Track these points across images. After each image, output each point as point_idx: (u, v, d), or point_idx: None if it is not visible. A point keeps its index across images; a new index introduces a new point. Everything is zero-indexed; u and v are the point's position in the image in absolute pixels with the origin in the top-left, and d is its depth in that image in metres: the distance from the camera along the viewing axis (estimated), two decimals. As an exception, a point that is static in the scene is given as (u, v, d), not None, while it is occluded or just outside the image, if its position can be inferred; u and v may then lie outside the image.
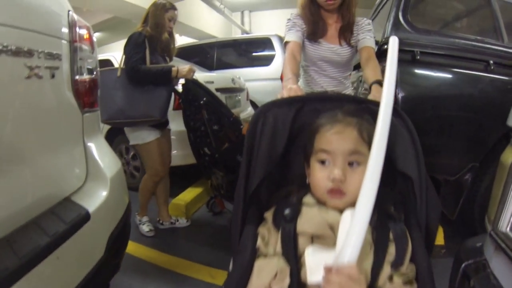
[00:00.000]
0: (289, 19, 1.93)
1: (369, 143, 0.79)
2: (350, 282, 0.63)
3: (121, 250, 1.42)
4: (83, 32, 1.36)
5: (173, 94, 2.50)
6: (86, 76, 1.34)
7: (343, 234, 0.68)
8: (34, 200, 1.08)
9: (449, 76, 2.23)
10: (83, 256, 1.14)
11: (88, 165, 1.33)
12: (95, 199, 1.23)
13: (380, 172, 0.68)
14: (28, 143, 1.08)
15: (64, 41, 1.24)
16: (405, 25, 2.22)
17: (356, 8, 1.88)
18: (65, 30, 1.25)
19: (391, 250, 0.78)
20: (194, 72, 2.43)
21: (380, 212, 0.82)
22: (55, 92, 1.21)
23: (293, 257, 0.80)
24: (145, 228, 2.67)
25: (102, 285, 1.36)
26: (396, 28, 2.21)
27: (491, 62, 2.18)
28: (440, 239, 2.43)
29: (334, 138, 0.85)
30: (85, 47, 1.36)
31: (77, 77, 1.29)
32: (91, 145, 1.37)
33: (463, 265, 1.03)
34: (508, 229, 0.91)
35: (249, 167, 0.96)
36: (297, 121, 1.02)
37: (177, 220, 2.79)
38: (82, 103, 1.33)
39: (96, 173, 1.33)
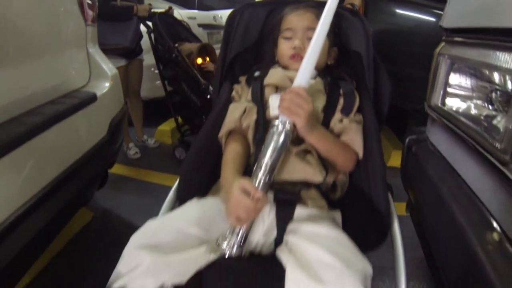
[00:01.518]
0: None
1: None
2: (298, 98, 0.79)
3: (118, 139, 1.65)
4: None
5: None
6: None
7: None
8: (50, 86, 1.29)
9: (415, 12, 2.43)
10: (91, 129, 1.38)
11: (91, 67, 1.55)
12: (100, 88, 1.47)
13: (325, 32, 0.87)
14: (45, 41, 1.27)
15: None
16: None
17: None
18: None
19: (341, 101, 0.97)
20: (150, 9, 2.63)
21: (334, 76, 1.02)
22: (66, 3, 1.40)
23: (259, 100, 0.97)
24: (131, 152, 2.92)
25: (103, 164, 1.59)
26: None
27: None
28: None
29: (296, 18, 1.02)
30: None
31: None
32: (93, 52, 1.58)
33: (407, 139, 1.25)
34: (439, 103, 1.09)
35: (226, 48, 1.17)
36: (269, 21, 1.17)
37: (147, 140, 3.14)
38: (85, 17, 1.52)
39: (98, 73, 1.55)
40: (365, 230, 0.91)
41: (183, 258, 0.71)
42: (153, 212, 0.93)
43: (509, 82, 0.74)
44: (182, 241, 0.74)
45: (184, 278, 0.69)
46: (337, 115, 0.95)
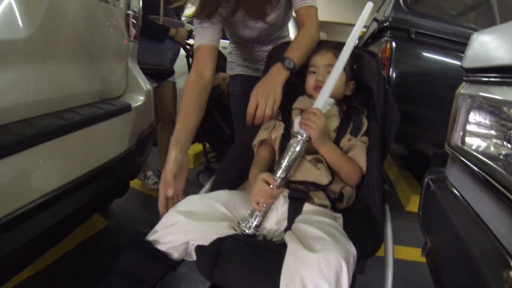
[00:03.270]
0: None
1: None
2: (314, 116, 1.03)
3: (144, 152, 1.73)
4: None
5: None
6: (133, 13, 1.65)
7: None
8: (89, 90, 1.40)
9: (440, 56, 2.47)
10: (121, 137, 1.47)
11: (128, 80, 1.65)
12: (135, 101, 1.56)
13: (340, 68, 1.10)
14: (92, 48, 1.39)
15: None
16: (404, 7, 2.51)
17: None
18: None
19: (352, 125, 1.20)
20: (189, 35, 2.63)
21: (348, 106, 1.26)
22: (114, 17, 1.53)
23: (287, 120, 1.23)
24: (150, 181, 2.76)
25: (128, 172, 1.66)
26: (396, 8, 2.51)
27: (480, 46, 2.43)
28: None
29: (318, 57, 1.26)
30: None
31: (128, 11, 1.61)
32: (132, 66, 1.69)
33: (427, 178, 1.27)
34: (459, 142, 1.11)
35: None
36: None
37: None
38: (128, 33, 1.64)
39: (134, 86, 1.65)
40: (363, 237, 1.03)
41: (209, 225, 0.92)
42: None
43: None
44: (211, 214, 0.97)
45: (207, 241, 0.90)
46: (347, 136, 1.18)
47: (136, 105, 1.52)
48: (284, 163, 1.02)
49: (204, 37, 1.29)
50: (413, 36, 2.39)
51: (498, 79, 0.94)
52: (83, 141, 1.22)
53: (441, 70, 2.45)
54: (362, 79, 1.33)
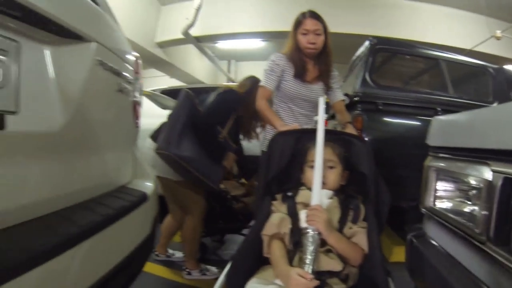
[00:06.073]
0: (272, 60, 2.18)
1: (338, 155, 1.44)
2: (317, 211, 1.24)
3: (155, 235, 1.70)
4: (139, 63, 1.73)
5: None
6: (137, 100, 1.70)
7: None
8: (106, 179, 1.41)
9: (406, 121, 2.91)
10: (140, 226, 1.47)
11: (135, 167, 1.66)
12: (147, 188, 1.58)
13: (321, 165, 1.32)
14: (101, 138, 1.37)
15: (132, 70, 1.61)
16: (370, 82, 2.93)
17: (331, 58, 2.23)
18: (132, 61, 1.63)
19: (351, 213, 1.38)
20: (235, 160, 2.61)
21: (346, 194, 1.44)
22: (126, 106, 1.58)
23: (294, 214, 1.37)
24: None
25: (142, 261, 1.61)
26: (364, 84, 2.93)
27: (438, 109, 2.90)
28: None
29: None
30: (138, 76, 1.71)
31: (135, 99, 1.66)
32: (136, 153, 1.73)
33: (409, 236, 1.51)
34: (431, 204, 1.36)
35: (267, 169, 1.60)
36: (297, 145, 1.60)
37: (173, 254, 2.86)
38: (134, 120, 1.68)
39: (142, 172, 1.68)
40: None
41: None
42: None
43: (480, 185, 1.03)
44: None
45: None
46: (348, 224, 1.36)
47: (150, 192, 1.52)
48: (308, 257, 1.17)
49: (272, 84, 2.20)
50: (380, 108, 2.80)
51: (453, 157, 1.23)
52: (109, 237, 1.15)
53: (406, 131, 2.89)
54: (355, 166, 1.53)
